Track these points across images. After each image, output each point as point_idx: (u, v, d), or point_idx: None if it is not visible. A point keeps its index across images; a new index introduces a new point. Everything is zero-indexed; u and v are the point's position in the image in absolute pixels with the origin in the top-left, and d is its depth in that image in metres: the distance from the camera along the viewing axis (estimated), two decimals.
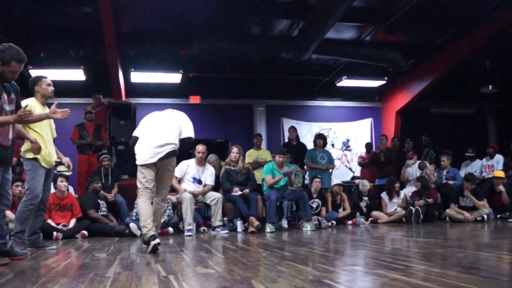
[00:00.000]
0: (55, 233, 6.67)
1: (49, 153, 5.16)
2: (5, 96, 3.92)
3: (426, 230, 7.01)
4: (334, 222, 8.59)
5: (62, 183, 7.12)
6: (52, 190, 7.38)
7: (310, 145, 10.64)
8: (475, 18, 9.45)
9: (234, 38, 10.12)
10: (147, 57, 10.75)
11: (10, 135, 4.00)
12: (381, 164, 10.53)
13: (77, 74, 10.37)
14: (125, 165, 9.56)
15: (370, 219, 9.05)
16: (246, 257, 4.00)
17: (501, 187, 9.05)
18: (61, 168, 7.67)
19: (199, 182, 7.79)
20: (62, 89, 11.39)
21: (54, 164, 5.36)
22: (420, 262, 3.46)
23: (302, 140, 11.35)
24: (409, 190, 9.58)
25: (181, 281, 2.80)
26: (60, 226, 6.93)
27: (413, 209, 8.50)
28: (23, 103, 4.93)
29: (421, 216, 8.48)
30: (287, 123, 12.91)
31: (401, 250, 4.47)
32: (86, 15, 8.80)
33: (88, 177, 8.39)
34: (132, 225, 6.92)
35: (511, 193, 9.19)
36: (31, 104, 4.95)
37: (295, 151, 9.86)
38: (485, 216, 8.60)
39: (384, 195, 9.37)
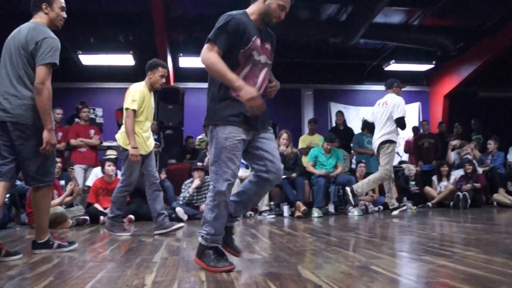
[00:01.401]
0: (101, 217, 6.76)
1: (144, 140, 5.12)
2: (257, 41, 2.85)
3: (474, 215, 6.87)
4: (381, 207, 8.48)
5: (109, 167, 7.20)
6: (100, 174, 7.60)
7: (357, 130, 10.52)
8: None
9: (282, 22, 9.99)
10: (196, 43, 10.76)
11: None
12: (423, 150, 10.36)
13: (126, 59, 10.57)
14: (173, 150, 9.70)
15: (421, 205, 8.97)
16: (293, 243, 4.01)
17: None
18: (108, 152, 7.84)
19: (247, 167, 7.83)
20: (112, 74, 11.75)
21: (151, 149, 5.24)
22: (467, 248, 3.39)
23: (349, 125, 11.26)
24: (457, 174, 9.40)
25: None
26: (107, 211, 7.03)
27: (461, 194, 8.34)
28: (132, 87, 5.09)
29: (469, 201, 8.34)
30: (334, 107, 12.82)
31: (448, 236, 4.38)
32: (136, 0, 8.91)
33: None
34: (179, 210, 7.01)
35: None
36: (140, 90, 5.05)
37: (342, 135, 9.77)
38: None
39: (434, 178, 9.30)
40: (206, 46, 2.71)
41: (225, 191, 2.75)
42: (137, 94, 5.00)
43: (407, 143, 11.35)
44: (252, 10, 2.87)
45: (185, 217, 7.01)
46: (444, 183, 9.17)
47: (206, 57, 2.68)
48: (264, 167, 2.82)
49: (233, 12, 2.80)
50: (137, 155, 4.87)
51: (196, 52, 10.59)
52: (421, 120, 12.77)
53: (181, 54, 10.66)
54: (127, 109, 4.95)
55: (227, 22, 2.73)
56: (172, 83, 11.36)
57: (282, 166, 2.88)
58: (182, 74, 11.85)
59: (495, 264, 2.69)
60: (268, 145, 2.89)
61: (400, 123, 7.07)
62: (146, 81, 5.17)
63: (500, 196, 8.73)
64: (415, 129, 11.50)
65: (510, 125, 12.16)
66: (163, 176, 8.39)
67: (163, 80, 5.19)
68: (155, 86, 5.18)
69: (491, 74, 12.32)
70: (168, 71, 5.26)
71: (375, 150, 7.40)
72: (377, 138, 7.27)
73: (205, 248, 2.80)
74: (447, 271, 2.53)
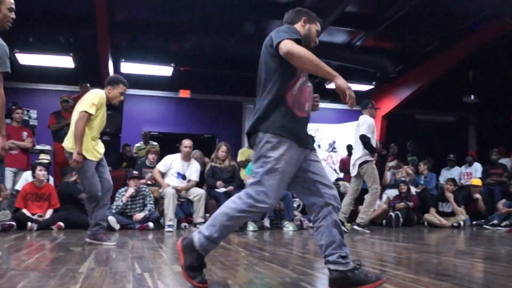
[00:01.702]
0: (29, 223, 6.56)
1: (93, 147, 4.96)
2: None
3: (405, 235, 7.05)
4: None
5: (40, 172, 6.99)
6: (30, 178, 7.32)
7: None
8: (461, 30, 9.68)
9: (227, 35, 10.07)
10: (139, 49, 10.65)
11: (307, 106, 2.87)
12: None
13: (65, 61, 10.26)
14: (108, 156, 9.45)
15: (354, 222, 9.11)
16: (225, 256, 3.98)
17: (478, 195, 9.29)
18: (41, 156, 7.57)
19: (183, 177, 7.74)
20: (49, 75, 11.38)
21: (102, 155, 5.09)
22: (397, 267, 3.47)
23: None
24: (391, 193, 9.65)
25: (156, 280, 2.77)
26: (35, 217, 6.79)
27: (393, 214, 8.60)
28: (94, 91, 4.97)
29: (401, 220, 8.60)
30: None
31: (379, 254, 4.47)
32: (80, 2, 8.69)
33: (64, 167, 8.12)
34: (111, 218, 6.80)
35: (487, 201, 9.45)
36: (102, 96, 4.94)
37: None
38: (462, 223, 8.77)
39: (366, 197, 9.46)
40: (287, 41, 2.56)
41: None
42: (97, 99, 4.85)
43: (342, 162, 11.53)
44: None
45: (117, 226, 6.84)
46: (377, 201, 9.39)
47: (298, 48, 2.54)
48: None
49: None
50: (79, 161, 4.71)
51: (139, 58, 10.43)
52: None
53: (123, 60, 10.46)
54: (83, 111, 4.77)
55: (295, 31, 2.70)
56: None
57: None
58: None
59: (421, 283, 2.76)
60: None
61: (363, 140, 7.21)
62: (105, 92, 5.02)
63: (431, 216, 9.04)
64: (349, 148, 11.73)
65: (443, 148, 12.65)
66: None
67: (122, 97, 5.09)
68: (112, 101, 5.05)
69: (428, 97, 12.84)
70: (126, 88, 5.12)
71: (355, 173, 7.46)
72: (355, 160, 7.43)
73: (195, 248, 2.61)
74: None
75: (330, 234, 2.62)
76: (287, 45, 2.53)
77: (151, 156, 8.51)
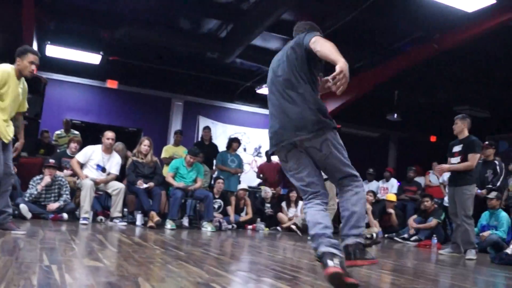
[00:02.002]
0: None
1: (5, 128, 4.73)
2: None
3: None
4: (234, 225, 8.65)
5: None
6: None
7: (222, 147, 10.65)
8: (392, 50, 10.03)
9: (161, 29, 9.92)
10: (67, 33, 10.27)
11: None
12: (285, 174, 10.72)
13: None
14: (26, 142, 9.08)
15: (273, 227, 9.29)
16: (139, 253, 3.91)
17: (391, 210, 9.72)
18: None
19: (103, 170, 7.55)
20: None
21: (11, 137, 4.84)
22: (308, 273, 3.54)
23: (216, 141, 11.35)
24: None
25: (64, 273, 2.66)
26: None
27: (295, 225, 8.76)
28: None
29: (300, 223, 8.77)
30: (203, 122, 12.90)
31: (291, 259, 4.55)
32: None
33: None
34: (23, 207, 6.54)
35: (399, 215, 9.92)
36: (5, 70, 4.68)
37: (206, 151, 9.83)
38: (374, 235, 9.08)
39: (283, 205, 9.67)
40: (319, 36, 3.06)
41: None
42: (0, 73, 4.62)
43: (260, 168, 11.53)
44: None
45: (29, 215, 6.58)
46: (292, 209, 9.59)
47: (328, 42, 2.98)
48: None
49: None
50: None
51: (66, 42, 10.03)
52: None
53: (49, 42, 10.04)
54: None
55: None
56: (35, 71, 10.64)
57: None
58: (48, 64, 11.12)
59: None
60: None
61: None
62: (15, 66, 4.83)
63: None
64: (267, 154, 11.85)
65: (363, 162, 13.05)
66: None
67: (33, 67, 4.88)
68: (23, 73, 4.87)
69: (354, 111, 13.22)
70: (39, 58, 4.92)
71: None
72: None
73: (364, 246, 2.94)
74: None
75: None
76: (319, 41, 3.06)
77: (73, 145, 8.18)
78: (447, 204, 9.41)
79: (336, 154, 3.02)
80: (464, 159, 6.48)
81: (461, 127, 6.65)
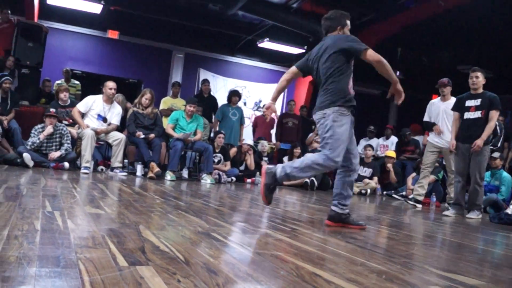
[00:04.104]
0: None
1: None
2: None
3: (319, 198, 7.30)
4: (234, 178, 8.72)
5: None
6: None
7: (222, 100, 10.63)
8: (395, 6, 9.89)
9: None
10: None
11: None
12: (286, 129, 10.76)
13: None
14: (27, 91, 9.09)
15: None
16: (140, 202, 3.97)
17: (390, 166, 9.66)
18: None
19: (104, 120, 7.57)
20: None
21: None
22: (306, 226, 3.60)
23: (216, 94, 11.34)
24: None
25: (66, 219, 2.72)
26: None
27: (308, 180, 8.83)
28: None
29: (316, 184, 8.86)
30: (203, 74, 12.83)
31: (291, 213, 4.61)
32: None
33: None
34: (26, 155, 6.62)
35: (399, 173, 9.90)
36: None
37: (205, 103, 9.82)
38: (369, 190, 9.18)
39: (285, 159, 9.67)
40: (370, 50, 3.68)
41: None
42: None
43: (254, 121, 11.59)
44: None
45: (31, 163, 6.65)
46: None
47: (382, 57, 3.65)
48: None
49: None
50: None
51: None
52: (285, 100, 13.25)
53: None
54: None
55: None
56: (36, 19, 10.53)
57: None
58: (49, 12, 11.01)
59: (328, 244, 2.89)
60: None
61: None
62: None
63: None
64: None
65: (364, 119, 13.06)
66: (11, 116, 7.81)
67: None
68: None
69: (355, 68, 13.08)
70: None
71: None
72: None
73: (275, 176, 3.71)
74: (282, 245, 2.67)
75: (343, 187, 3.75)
76: (377, 55, 3.65)
77: (62, 95, 8.08)
78: None
79: None
80: (485, 115, 6.12)
81: (482, 82, 6.25)
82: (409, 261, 2.58)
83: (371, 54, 3.62)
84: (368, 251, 2.74)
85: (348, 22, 3.94)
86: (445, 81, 7.20)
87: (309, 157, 3.68)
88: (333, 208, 3.74)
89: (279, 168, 3.66)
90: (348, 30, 3.93)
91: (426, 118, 7.47)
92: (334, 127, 3.59)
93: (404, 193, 9.14)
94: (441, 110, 7.19)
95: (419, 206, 7.25)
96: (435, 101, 7.39)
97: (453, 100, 6.91)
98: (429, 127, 7.36)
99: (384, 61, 3.61)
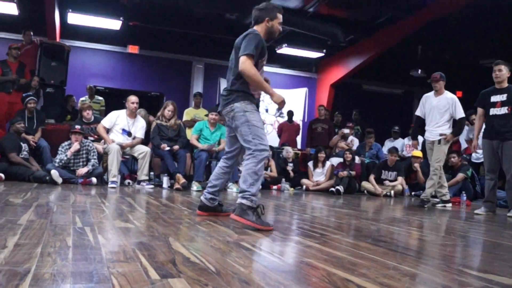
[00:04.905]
0: None
1: None
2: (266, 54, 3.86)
3: (346, 201, 7.25)
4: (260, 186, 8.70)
5: None
6: None
7: None
8: (414, 4, 9.82)
9: None
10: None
11: None
12: (315, 134, 10.77)
13: (9, 8, 9.77)
14: (52, 109, 9.25)
15: (298, 187, 9.38)
16: (168, 214, 4.00)
17: (418, 166, 9.52)
18: None
19: (129, 134, 7.65)
20: None
21: None
22: (335, 231, 3.57)
23: None
24: (335, 161, 9.87)
25: (97, 234, 2.75)
26: None
27: (334, 189, 8.85)
28: None
29: (342, 190, 8.83)
30: (224, 84, 12.82)
31: (319, 218, 4.59)
32: None
33: (9, 118, 7.99)
34: (54, 172, 6.72)
35: (426, 173, 9.73)
36: None
37: None
38: (393, 192, 9.06)
39: (310, 164, 9.65)
40: (245, 58, 3.51)
41: None
42: None
43: (279, 127, 11.68)
44: (259, 30, 3.76)
45: (59, 180, 6.74)
46: (319, 170, 9.56)
47: (249, 68, 3.52)
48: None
49: (257, 32, 3.68)
50: None
51: (87, 9, 10.07)
52: (307, 105, 13.24)
53: (70, 10, 10.06)
54: None
55: (259, 41, 3.60)
56: (58, 39, 10.73)
57: None
58: (70, 31, 11.22)
59: (358, 248, 2.85)
60: None
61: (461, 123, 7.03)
62: None
63: (368, 184, 9.32)
64: (290, 113, 11.82)
65: (388, 119, 12.97)
66: (38, 135, 7.97)
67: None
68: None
69: (376, 68, 13.05)
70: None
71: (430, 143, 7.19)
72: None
73: (248, 208, 3.44)
74: (312, 252, 2.65)
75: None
76: (245, 65, 3.51)
77: (85, 113, 8.25)
78: (475, 161, 9.33)
79: None
80: None
81: (506, 75, 6.10)
82: (442, 262, 2.55)
83: (241, 62, 3.54)
84: (399, 254, 2.71)
85: (280, 16, 3.83)
86: (438, 76, 7.12)
87: (244, 170, 3.65)
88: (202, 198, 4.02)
89: (240, 200, 3.49)
90: (279, 24, 3.83)
91: (418, 113, 7.38)
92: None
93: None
94: (433, 105, 7.09)
95: (449, 205, 7.14)
96: (430, 94, 7.27)
97: (446, 94, 6.95)
98: (415, 133, 7.81)
99: (250, 73, 3.52)
